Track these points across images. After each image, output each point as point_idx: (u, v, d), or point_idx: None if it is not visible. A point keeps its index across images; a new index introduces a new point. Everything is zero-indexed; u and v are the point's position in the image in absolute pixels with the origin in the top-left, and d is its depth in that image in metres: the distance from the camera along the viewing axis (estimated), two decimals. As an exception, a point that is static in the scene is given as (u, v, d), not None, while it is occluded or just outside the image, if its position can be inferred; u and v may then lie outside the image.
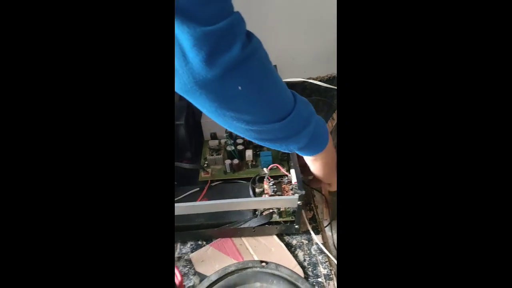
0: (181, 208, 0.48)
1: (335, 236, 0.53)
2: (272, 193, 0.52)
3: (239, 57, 0.28)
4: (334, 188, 0.50)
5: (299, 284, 0.38)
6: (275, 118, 0.34)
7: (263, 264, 0.40)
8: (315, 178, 0.48)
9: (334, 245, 0.52)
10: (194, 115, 0.66)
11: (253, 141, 0.38)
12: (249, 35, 0.31)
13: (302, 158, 0.45)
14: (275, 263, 0.41)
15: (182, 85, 0.29)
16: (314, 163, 0.44)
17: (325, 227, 0.54)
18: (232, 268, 0.39)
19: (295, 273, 0.40)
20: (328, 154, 0.43)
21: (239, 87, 0.30)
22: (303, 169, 0.49)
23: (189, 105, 0.67)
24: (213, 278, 0.39)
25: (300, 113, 0.36)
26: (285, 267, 0.41)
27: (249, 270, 0.39)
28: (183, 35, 0.26)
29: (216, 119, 0.33)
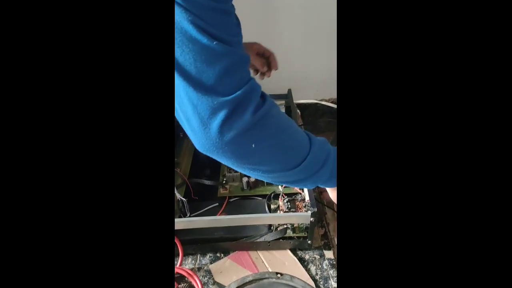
0: (201, 221, 0.53)
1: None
2: (287, 210, 0.55)
3: (251, 122, 0.31)
4: None
5: (311, 296, 0.41)
6: (290, 166, 0.36)
7: (279, 275, 0.43)
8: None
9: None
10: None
11: (274, 183, 0.41)
12: (264, 96, 0.34)
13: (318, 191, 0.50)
14: (290, 275, 0.44)
15: (201, 146, 0.32)
16: (332, 192, 0.48)
17: (337, 244, 0.57)
18: (250, 278, 0.43)
19: (308, 284, 0.44)
20: None
21: (253, 145, 0.33)
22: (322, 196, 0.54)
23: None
24: (233, 286, 0.42)
25: (315, 156, 0.38)
26: (299, 278, 0.44)
27: (265, 280, 0.42)
28: (202, 106, 0.29)
29: (236, 169, 0.36)
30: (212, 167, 0.68)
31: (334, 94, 0.96)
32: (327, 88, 0.95)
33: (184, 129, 0.33)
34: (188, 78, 0.29)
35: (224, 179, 0.65)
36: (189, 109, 0.30)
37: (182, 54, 0.28)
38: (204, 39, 0.28)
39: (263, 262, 0.53)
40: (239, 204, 0.61)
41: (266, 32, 0.79)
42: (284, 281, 0.42)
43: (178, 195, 0.55)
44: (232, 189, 0.63)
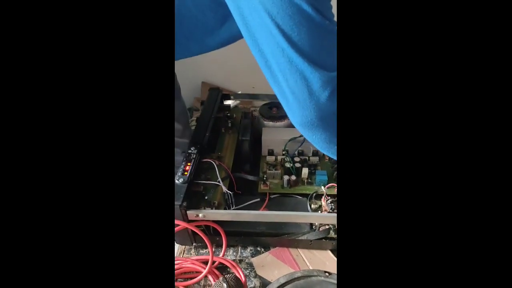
0: (247, 215, 0.53)
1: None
2: (330, 210, 0.56)
3: None
4: None
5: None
6: None
7: (327, 274, 0.44)
8: None
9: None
10: (256, 132, 0.72)
11: None
12: None
13: None
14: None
15: (304, 119, 0.35)
16: None
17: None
18: (299, 274, 0.43)
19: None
20: None
21: None
22: None
23: (253, 124, 0.74)
24: (282, 281, 0.43)
25: None
26: (347, 278, 0.44)
27: (314, 278, 0.43)
28: (314, 78, 0.33)
29: (322, 146, 0.39)
30: (252, 163, 0.69)
31: None
32: None
33: (284, 104, 0.36)
34: (302, 53, 0.32)
35: (265, 175, 0.66)
36: (298, 82, 0.33)
37: (299, 33, 0.31)
38: (318, 18, 0.31)
39: (304, 260, 0.54)
40: (280, 201, 0.62)
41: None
42: (332, 280, 0.43)
43: (224, 188, 0.56)
44: (272, 186, 0.64)
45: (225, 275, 0.46)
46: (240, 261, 0.54)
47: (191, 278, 0.51)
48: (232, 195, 0.56)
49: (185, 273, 0.52)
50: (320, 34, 0.32)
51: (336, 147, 0.39)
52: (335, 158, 0.42)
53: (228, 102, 0.81)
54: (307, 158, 0.68)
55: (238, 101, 0.83)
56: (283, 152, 0.68)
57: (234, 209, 0.56)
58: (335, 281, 0.43)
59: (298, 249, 0.56)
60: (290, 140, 0.66)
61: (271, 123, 0.73)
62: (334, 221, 0.55)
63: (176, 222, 0.50)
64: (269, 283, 0.47)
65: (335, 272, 0.48)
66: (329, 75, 0.33)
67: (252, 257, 0.55)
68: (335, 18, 0.35)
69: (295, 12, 0.30)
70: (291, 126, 0.48)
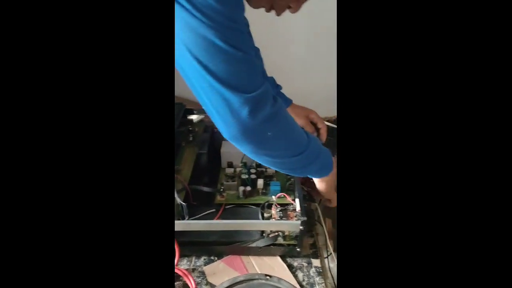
0: (198, 225, 0.56)
1: (331, 265, 0.59)
2: (279, 218, 0.59)
3: (270, 113, 0.42)
4: (333, 203, 0.62)
5: (297, 298, 0.45)
6: (294, 153, 0.48)
7: (267, 277, 0.46)
8: (318, 194, 0.62)
9: (331, 273, 0.58)
10: (215, 145, 0.76)
11: (278, 170, 0.52)
12: (275, 98, 0.44)
13: (304, 178, 0.61)
14: (278, 277, 0.48)
15: (230, 134, 0.41)
16: (320, 183, 0.59)
17: (325, 258, 0.60)
18: (241, 278, 0.46)
19: (294, 286, 0.47)
20: (331, 177, 0.57)
21: (269, 133, 0.43)
22: (305, 182, 0.65)
23: (212, 137, 0.77)
24: (225, 285, 0.46)
25: (313, 148, 0.50)
26: (286, 281, 0.47)
27: (255, 281, 0.46)
28: (234, 98, 0.38)
29: (251, 156, 0.46)
30: (211, 175, 0.72)
31: (329, 114, 1.00)
32: (323, 109, 1.00)
33: (215, 121, 0.42)
34: (221, 81, 0.37)
35: (222, 187, 0.69)
36: (221, 104, 0.39)
37: (215, 64, 0.37)
38: (231, 50, 0.36)
39: (254, 266, 0.57)
40: (235, 211, 0.64)
41: (272, 56, 0.85)
42: (272, 283, 0.46)
43: (178, 200, 0.59)
44: (228, 197, 0.67)
45: (175, 284, 0.49)
46: (194, 269, 0.57)
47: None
48: (185, 206, 0.59)
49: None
50: (234, 63, 0.37)
51: (263, 156, 0.46)
52: (265, 165, 0.50)
53: (191, 117, 0.84)
54: (264, 169, 0.71)
55: (202, 116, 0.87)
56: (241, 164, 0.71)
57: (186, 220, 0.59)
58: (274, 283, 0.46)
59: (249, 257, 0.58)
60: (246, 152, 0.70)
61: (230, 136, 0.77)
62: (281, 228, 0.58)
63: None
64: (217, 289, 0.50)
65: (278, 275, 0.51)
66: (246, 96, 0.39)
67: (205, 265, 0.57)
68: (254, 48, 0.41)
69: (209, 47, 0.36)
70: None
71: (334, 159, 0.57)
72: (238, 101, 0.38)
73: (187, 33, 0.36)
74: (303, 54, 1.00)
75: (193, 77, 0.38)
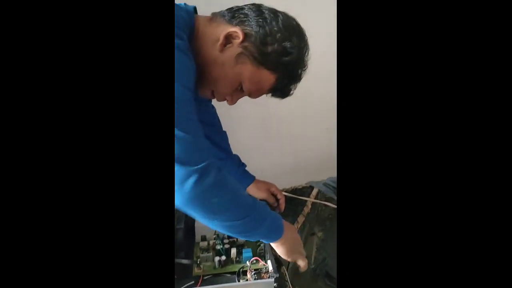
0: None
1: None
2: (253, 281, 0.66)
3: (214, 182, 0.48)
4: (302, 268, 0.67)
5: None
6: (239, 216, 0.53)
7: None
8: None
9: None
10: (190, 220, 0.83)
11: (229, 234, 0.59)
12: (219, 168, 0.50)
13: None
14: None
15: (177, 202, 0.47)
16: (277, 247, 0.65)
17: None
18: None
19: None
20: (287, 241, 0.63)
21: (215, 199, 0.49)
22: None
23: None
24: None
25: (259, 212, 0.56)
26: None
27: None
28: (179, 173, 0.46)
29: (203, 222, 0.53)
30: (187, 249, 0.77)
31: (286, 185, 1.10)
32: (281, 181, 1.10)
33: None
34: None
35: (198, 259, 0.74)
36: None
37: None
38: (181, 134, 0.46)
39: (235, 331, 0.61)
40: (212, 281, 0.69)
41: (233, 133, 0.99)
42: None
43: (160, 273, 0.64)
44: (205, 268, 0.72)
45: None
46: None
47: None
48: (168, 280, 0.63)
49: None
50: (183, 144, 0.46)
51: (214, 221, 0.52)
52: (217, 230, 0.61)
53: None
54: (235, 239, 0.79)
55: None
56: (214, 236, 0.78)
57: (170, 292, 0.63)
58: None
59: (230, 322, 0.62)
60: (218, 225, 0.78)
61: (202, 212, 0.84)
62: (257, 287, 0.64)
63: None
64: None
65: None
66: (191, 169, 0.46)
67: (189, 337, 0.60)
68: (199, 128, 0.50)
69: None
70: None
71: (291, 225, 0.64)
72: (183, 173, 0.46)
73: None
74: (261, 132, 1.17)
75: None
